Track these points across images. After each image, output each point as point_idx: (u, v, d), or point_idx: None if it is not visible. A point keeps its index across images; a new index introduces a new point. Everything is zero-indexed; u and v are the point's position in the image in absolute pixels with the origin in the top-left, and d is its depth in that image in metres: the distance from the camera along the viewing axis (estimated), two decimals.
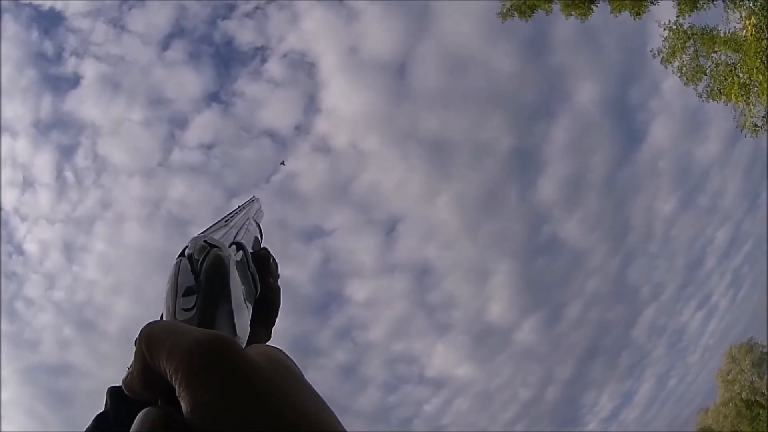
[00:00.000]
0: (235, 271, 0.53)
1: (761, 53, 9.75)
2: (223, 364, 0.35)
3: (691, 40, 10.91)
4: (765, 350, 24.15)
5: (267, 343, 0.59)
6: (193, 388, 0.34)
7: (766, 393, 23.41)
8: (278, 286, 0.67)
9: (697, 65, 10.98)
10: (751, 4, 9.99)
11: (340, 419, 0.37)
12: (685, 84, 11.20)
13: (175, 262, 0.52)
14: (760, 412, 23.28)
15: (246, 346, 0.42)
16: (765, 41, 9.71)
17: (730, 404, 24.16)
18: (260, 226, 0.81)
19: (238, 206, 0.83)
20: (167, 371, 0.36)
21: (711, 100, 11.01)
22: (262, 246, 0.72)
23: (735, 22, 10.34)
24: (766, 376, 23.75)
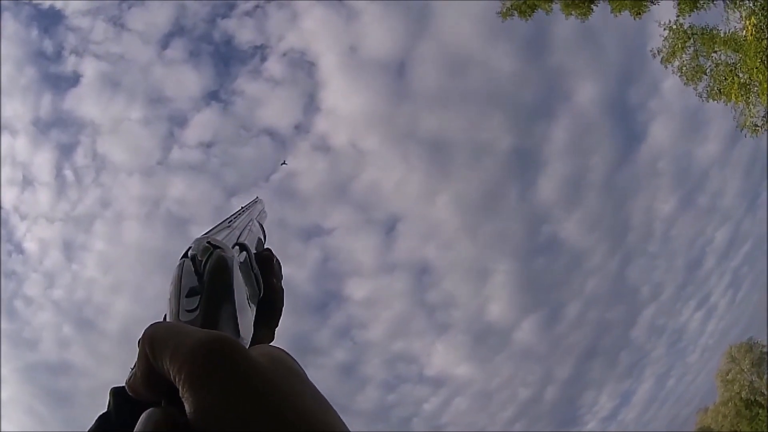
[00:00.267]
0: (239, 272, 0.53)
1: (761, 53, 9.74)
2: (226, 366, 0.35)
3: (691, 40, 10.90)
4: (764, 350, 24.15)
5: (270, 344, 0.59)
6: (197, 389, 0.34)
7: (765, 393, 23.42)
8: (281, 287, 0.67)
9: (697, 65, 10.97)
10: (751, 4, 9.98)
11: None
12: (685, 84, 11.20)
13: (178, 263, 0.52)
14: (760, 411, 23.30)
15: (249, 347, 0.42)
16: (765, 41, 9.70)
17: (730, 404, 24.18)
18: (263, 227, 0.81)
19: (242, 207, 0.83)
20: (171, 372, 0.36)
21: (711, 100, 11.00)
22: (265, 247, 0.73)
23: (735, 22, 10.33)
24: (765, 376, 23.76)
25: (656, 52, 11.39)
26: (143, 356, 0.39)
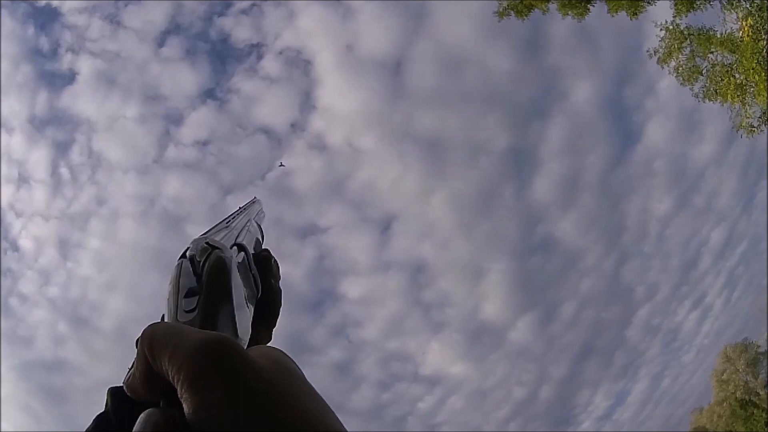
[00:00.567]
0: (237, 272, 0.53)
1: (758, 54, 9.77)
2: (225, 366, 0.35)
3: (688, 40, 10.92)
4: (760, 350, 24.24)
5: (268, 345, 0.59)
6: (196, 390, 0.34)
7: (760, 393, 23.50)
8: (279, 288, 0.67)
9: (693, 66, 11.00)
10: (747, 5, 10.01)
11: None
12: (681, 84, 11.23)
13: (176, 264, 0.52)
14: (755, 411, 23.38)
15: (247, 348, 0.42)
16: (761, 42, 9.73)
17: (725, 404, 24.25)
18: (261, 227, 0.81)
19: (240, 207, 0.83)
20: (169, 373, 0.36)
21: (707, 101, 11.03)
22: (263, 247, 0.73)
23: (732, 23, 10.36)
24: (760, 376, 23.84)
25: (653, 52, 11.42)
26: (142, 356, 0.39)
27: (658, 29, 11.21)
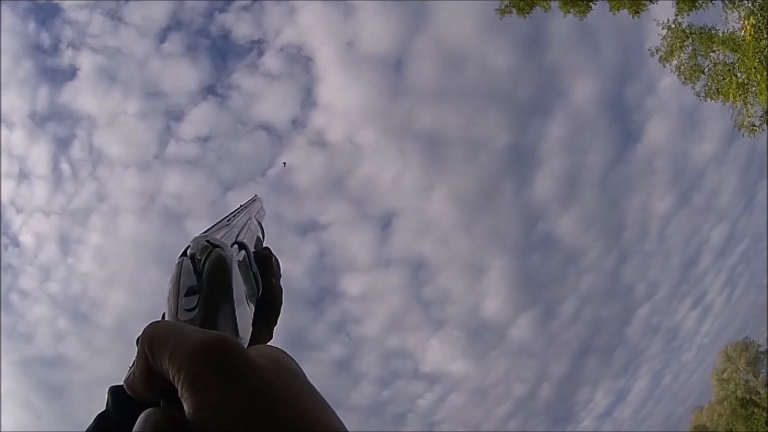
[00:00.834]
0: (238, 271, 0.53)
1: (759, 53, 9.77)
2: (225, 366, 0.35)
3: (690, 39, 10.92)
4: (760, 349, 24.26)
5: (269, 344, 0.59)
6: (196, 390, 0.34)
7: (761, 392, 23.52)
8: (280, 286, 0.67)
9: (695, 64, 11.00)
10: (749, 5, 10.01)
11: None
12: (683, 83, 11.23)
13: (177, 262, 0.52)
14: (755, 410, 23.40)
15: (248, 347, 0.42)
16: (763, 41, 9.73)
17: (725, 403, 24.27)
18: (262, 225, 0.81)
19: (240, 205, 0.83)
20: (170, 372, 0.36)
21: (709, 100, 11.04)
22: (264, 245, 0.72)
23: (734, 22, 10.36)
24: (761, 375, 23.86)
25: (654, 51, 11.42)
26: (142, 356, 0.39)
27: (660, 28, 11.22)
